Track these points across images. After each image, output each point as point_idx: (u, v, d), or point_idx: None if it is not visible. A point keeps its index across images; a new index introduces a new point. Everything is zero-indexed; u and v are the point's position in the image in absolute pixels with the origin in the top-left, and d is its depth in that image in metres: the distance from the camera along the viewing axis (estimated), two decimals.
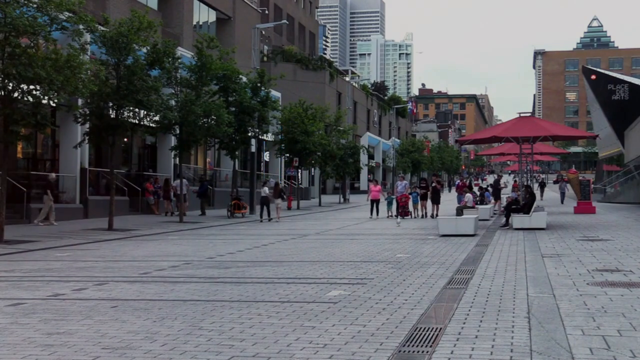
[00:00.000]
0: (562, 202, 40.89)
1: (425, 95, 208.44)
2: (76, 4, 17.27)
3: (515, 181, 41.48)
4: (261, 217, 27.04)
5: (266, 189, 27.97)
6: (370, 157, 68.32)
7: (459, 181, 52.39)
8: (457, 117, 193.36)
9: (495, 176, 38.91)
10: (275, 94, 36.28)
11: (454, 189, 72.26)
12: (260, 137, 33.70)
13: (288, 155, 39.75)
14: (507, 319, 7.08)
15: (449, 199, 40.62)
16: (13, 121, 16.78)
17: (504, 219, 21.95)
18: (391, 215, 27.83)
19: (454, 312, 7.50)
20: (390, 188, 38.05)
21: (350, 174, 50.11)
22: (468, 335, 6.36)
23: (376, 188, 29.28)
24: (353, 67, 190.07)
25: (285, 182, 46.69)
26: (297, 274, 11.09)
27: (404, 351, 5.84)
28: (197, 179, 34.14)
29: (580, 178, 33.28)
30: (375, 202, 28.50)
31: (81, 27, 17.71)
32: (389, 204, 28.47)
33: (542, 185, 52.84)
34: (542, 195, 49.08)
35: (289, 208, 30.10)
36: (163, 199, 30.14)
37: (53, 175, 24.13)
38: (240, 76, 29.58)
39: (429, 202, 27.89)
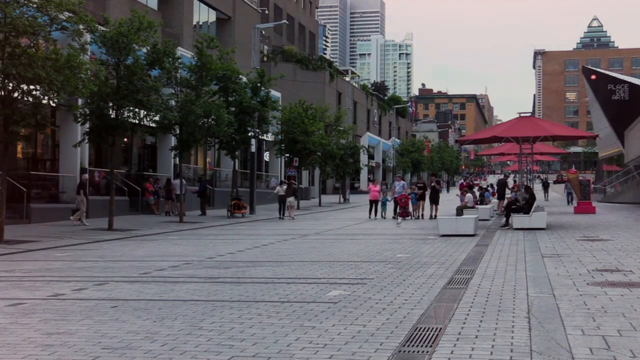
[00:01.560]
0: (570, 203, 40.35)
1: (425, 95, 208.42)
2: (76, 4, 17.27)
3: (515, 181, 41.44)
4: (280, 215, 28.71)
5: (284, 187, 29.61)
6: (370, 157, 68.31)
7: (462, 180, 52.49)
8: (457, 117, 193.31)
9: (502, 175, 38.78)
10: (275, 94, 36.26)
11: (452, 189, 72.42)
12: (260, 137, 33.70)
13: (288, 155, 39.76)
14: (507, 319, 7.08)
15: (448, 198, 40.65)
16: (13, 121, 16.79)
17: (504, 219, 21.95)
18: (384, 217, 27.75)
19: (454, 312, 7.50)
20: (388, 188, 38.01)
21: (350, 174, 50.09)
22: (468, 335, 6.36)
23: (375, 188, 29.23)
24: (353, 67, 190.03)
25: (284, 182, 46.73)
26: (297, 274, 11.10)
27: (404, 351, 5.84)
28: (197, 179, 34.19)
29: (580, 178, 33.30)
30: (374, 202, 28.44)
31: (81, 27, 17.70)
32: (383, 204, 28.40)
33: (546, 186, 52.69)
34: (546, 196, 49.02)
35: (286, 208, 30.17)
36: (165, 199, 30.13)
37: (86, 175, 24.31)
38: (240, 76, 29.57)
39: (427, 203, 27.76)
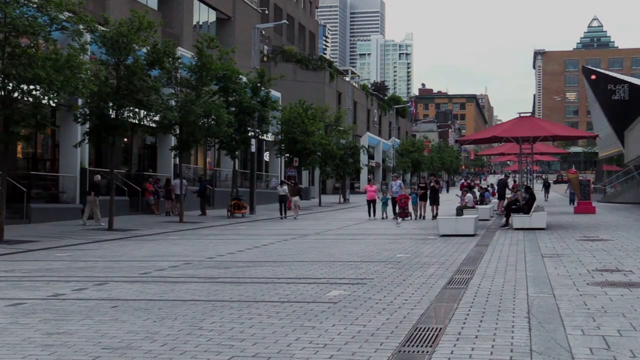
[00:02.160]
0: (573, 203, 40.00)
1: (425, 95, 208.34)
2: (76, 4, 17.27)
3: (514, 181, 41.41)
4: (281, 214, 29.12)
5: (286, 187, 30.07)
6: (370, 157, 68.29)
7: (463, 180, 52.50)
8: (457, 117, 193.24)
9: (502, 176, 38.65)
10: (275, 94, 36.25)
11: (452, 189, 72.41)
12: (260, 137, 33.70)
13: (288, 155, 39.76)
14: (507, 319, 7.08)
15: (448, 198, 40.64)
16: (13, 122, 16.78)
17: (504, 219, 21.95)
18: (385, 217, 27.71)
19: (454, 312, 7.49)
20: (387, 188, 38.03)
21: (350, 174, 50.07)
22: (468, 335, 6.36)
23: (372, 188, 29.17)
24: (353, 67, 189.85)
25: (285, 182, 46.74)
26: (297, 274, 11.09)
27: (404, 351, 5.84)
28: (197, 179, 34.18)
29: (580, 178, 33.29)
30: (371, 202, 28.36)
31: (81, 27, 17.71)
32: (384, 204, 28.35)
33: (547, 186, 52.60)
34: (546, 196, 48.96)
35: (289, 208, 30.21)
36: (165, 199, 30.13)
37: (98, 176, 24.33)
38: (240, 76, 29.56)
39: (427, 203, 27.65)
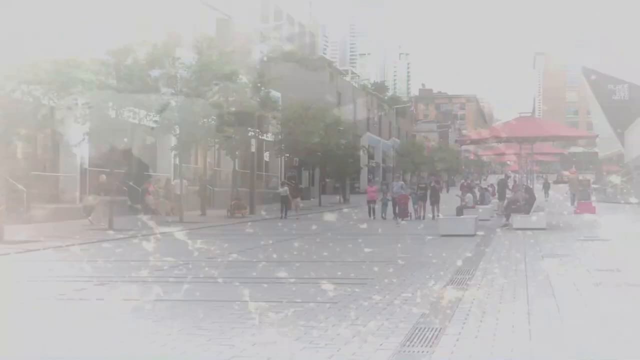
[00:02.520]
0: (574, 203, 39.89)
1: (425, 96, 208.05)
2: None
3: (514, 182, 41.34)
4: (281, 214, 29.13)
5: (286, 188, 30.09)
6: (370, 157, 68.23)
7: (463, 180, 52.47)
8: (457, 117, 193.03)
9: (503, 175, 38.65)
10: (275, 94, 36.23)
11: (452, 189, 72.30)
12: (260, 137, 33.68)
13: (288, 155, 39.73)
14: (507, 319, 7.08)
15: (448, 198, 40.65)
16: (14, 122, 16.76)
17: (504, 219, 21.95)
18: (384, 218, 27.66)
19: (454, 312, 7.49)
20: (388, 188, 38.01)
21: (350, 174, 50.02)
22: (468, 335, 6.36)
23: (372, 189, 29.13)
24: (353, 67, 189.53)
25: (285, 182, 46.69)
26: (297, 274, 11.08)
27: (404, 351, 5.84)
28: (197, 179, 34.15)
29: (580, 178, 33.31)
30: (372, 202, 28.32)
31: None
32: (384, 205, 28.29)
33: (547, 186, 52.40)
34: (546, 196, 48.85)
35: (289, 208, 30.23)
36: (165, 199, 30.07)
37: (103, 176, 24.29)
38: (240, 76, 29.52)
39: (428, 203, 27.60)
